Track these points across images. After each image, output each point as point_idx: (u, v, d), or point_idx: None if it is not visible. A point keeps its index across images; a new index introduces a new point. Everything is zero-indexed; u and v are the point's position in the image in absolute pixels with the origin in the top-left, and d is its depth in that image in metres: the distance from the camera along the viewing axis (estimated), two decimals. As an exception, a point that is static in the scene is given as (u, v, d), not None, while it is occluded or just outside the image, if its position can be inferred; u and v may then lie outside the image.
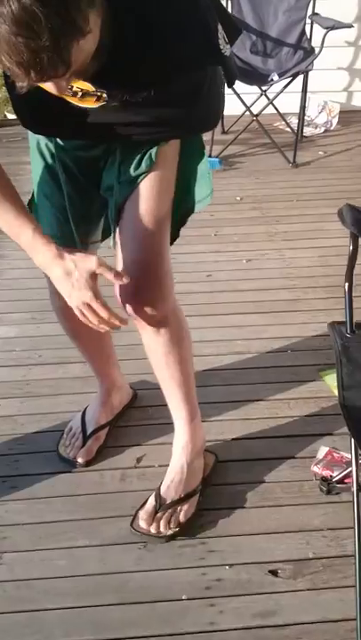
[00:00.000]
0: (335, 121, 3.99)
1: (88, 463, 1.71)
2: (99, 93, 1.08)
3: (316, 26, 3.54)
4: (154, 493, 1.57)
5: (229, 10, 3.56)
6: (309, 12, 3.49)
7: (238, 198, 3.17)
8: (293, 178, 3.40)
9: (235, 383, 2.01)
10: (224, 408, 1.90)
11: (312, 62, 3.38)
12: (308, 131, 3.89)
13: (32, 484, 1.68)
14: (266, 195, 3.22)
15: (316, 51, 3.38)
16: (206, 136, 3.95)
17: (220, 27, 1.07)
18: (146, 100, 1.09)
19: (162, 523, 1.52)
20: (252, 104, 3.47)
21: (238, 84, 3.50)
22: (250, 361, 2.11)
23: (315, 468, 1.68)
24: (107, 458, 1.75)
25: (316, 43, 3.46)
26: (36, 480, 1.69)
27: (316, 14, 3.51)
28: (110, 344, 1.76)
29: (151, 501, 1.55)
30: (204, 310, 2.33)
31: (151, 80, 1.06)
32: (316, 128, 3.96)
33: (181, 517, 1.54)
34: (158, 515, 1.53)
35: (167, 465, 1.65)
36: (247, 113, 3.49)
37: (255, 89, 3.45)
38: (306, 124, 3.87)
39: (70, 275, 1.21)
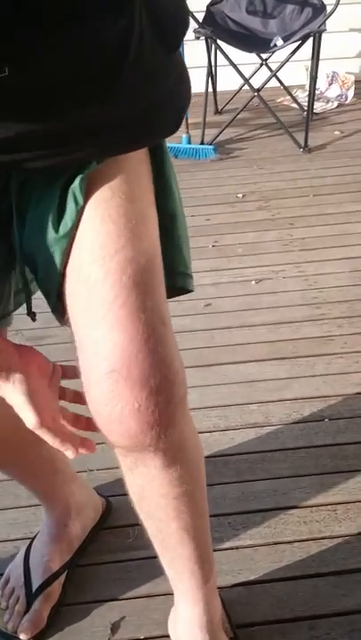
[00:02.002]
0: (351, 94, 3.37)
1: (35, 639, 1.11)
2: None
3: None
4: None
5: None
6: None
7: (240, 195, 2.54)
8: (307, 166, 2.77)
9: (252, 479, 1.39)
10: (241, 524, 1.29)
11: (325, 22, 2.74)
12: (318, 106, 3.26)
13: None
14: (274, 189, 2.59)
15: (329, 8, 2.74)
16: (198, 117, 3.08)
17: None
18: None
19: None
20: (251, 76, 2.86)
21: (234, 52, 2.89)
22: (272, 438, 1.49)
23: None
24: (64, 626, 1.14)
25: (327, -2, 2.84)
26: None
27: None
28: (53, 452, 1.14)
29: None
30: (203, 358, 1.72)
31: None
32: (327, 103, 3.33)
33: None
34: None
35: (161, 637, 1.05)
36: (246, 87, 2.87)
37: (254, 58, 2.87)
38: (316, 98, 3.23)
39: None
